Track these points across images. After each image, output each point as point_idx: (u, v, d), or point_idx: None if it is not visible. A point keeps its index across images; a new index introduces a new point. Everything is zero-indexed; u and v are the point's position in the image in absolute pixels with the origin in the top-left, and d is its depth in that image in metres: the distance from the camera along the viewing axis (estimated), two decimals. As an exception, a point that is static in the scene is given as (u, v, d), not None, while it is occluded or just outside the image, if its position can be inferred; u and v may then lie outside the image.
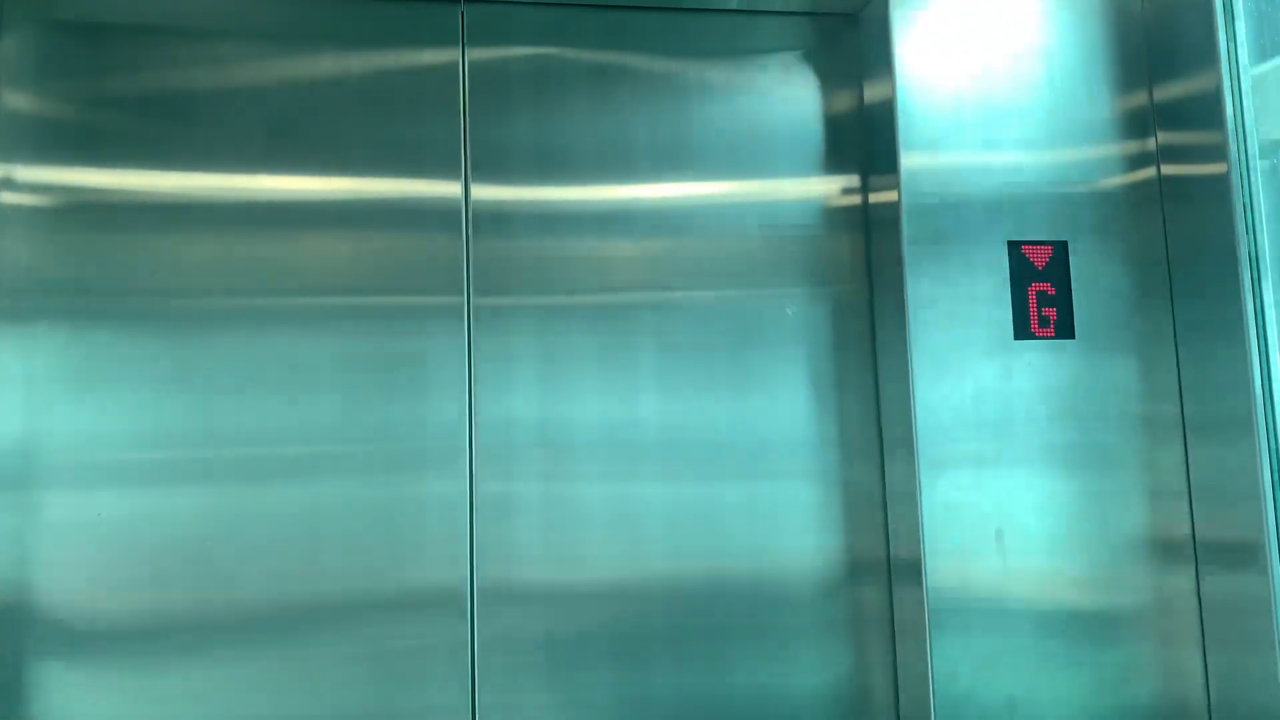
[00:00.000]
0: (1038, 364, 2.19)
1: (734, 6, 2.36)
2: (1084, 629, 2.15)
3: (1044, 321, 2.22)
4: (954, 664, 2.07)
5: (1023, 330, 2.20)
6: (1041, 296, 2.22)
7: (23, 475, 2.02)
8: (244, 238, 2.14)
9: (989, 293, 2.19)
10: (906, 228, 2.19)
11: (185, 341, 2.09)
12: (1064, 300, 2.23)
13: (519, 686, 2.11)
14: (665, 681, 2.17)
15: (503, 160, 2.25)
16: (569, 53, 2.31)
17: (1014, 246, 2.22)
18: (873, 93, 2.35)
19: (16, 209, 2.08)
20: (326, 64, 2.22)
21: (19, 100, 2.10)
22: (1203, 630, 2.17)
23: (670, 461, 2.23)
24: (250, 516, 2.08)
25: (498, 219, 2.24)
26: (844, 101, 2.41)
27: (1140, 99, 2.33)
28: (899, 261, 2.19)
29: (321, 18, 2.22)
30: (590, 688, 2.14)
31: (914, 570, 2.13)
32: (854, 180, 2.39)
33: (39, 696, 1.96)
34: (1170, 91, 2.28)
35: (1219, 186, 2.12)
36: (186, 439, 2.07)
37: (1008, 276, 2.21)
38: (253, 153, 2.17)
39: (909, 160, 2.21)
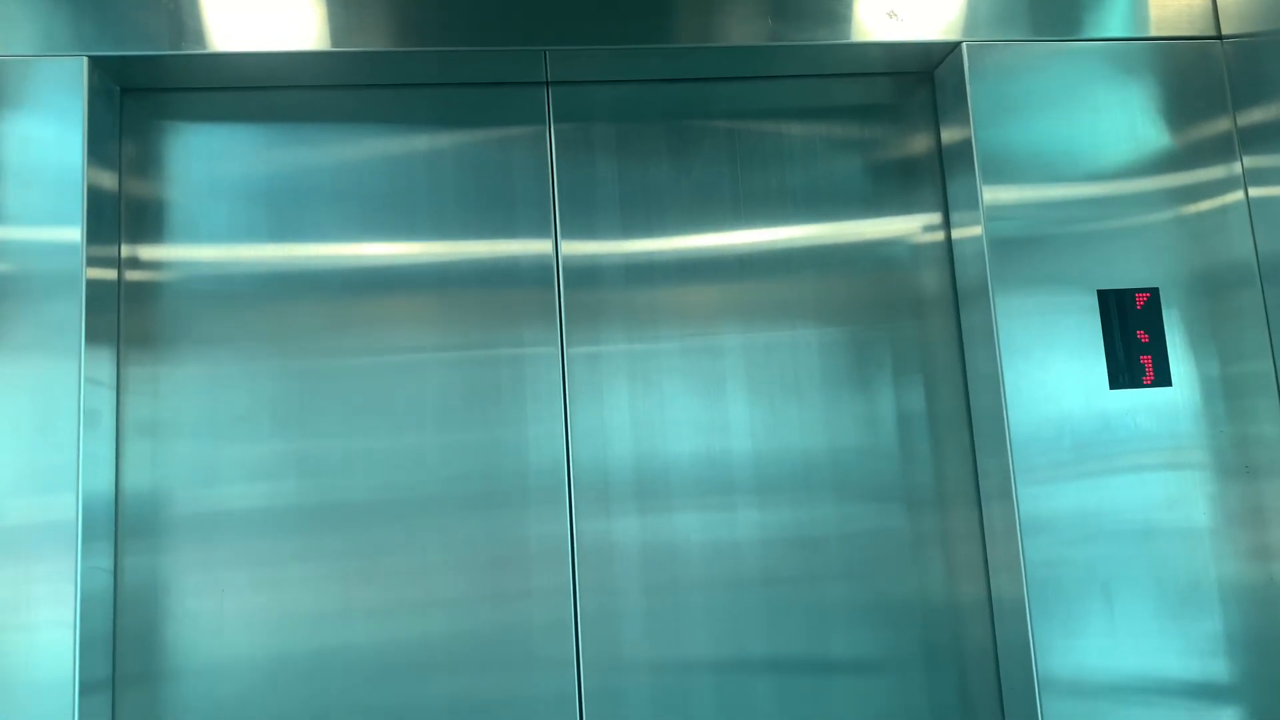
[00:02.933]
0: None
1: (807, 72, 2.43)
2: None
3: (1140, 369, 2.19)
4: None
5: (1118, 379, 2.18)
6: (1136, 343, 2.20)
7: (152, 518, 2.15)
8: (351, 300, 2.26)
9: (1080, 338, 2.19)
10: (990, 259, 2.21)
11: (301, 394, 2.21)
12: (1159, 347, 2.20)
13: None
14: None
15: (590, 218, 2.34)
16: (650, 122, 2.39)
17: (1105, 295, 2.21)
18: (950, 135, 2.38)
19: (142, 284, 2.22)
20: (423, 141, 2.34)
21: (141, 187, 2.25)
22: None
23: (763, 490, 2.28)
24: (354, 552, 2.19)
25: (587, 272, 2.32)
26: (921, 144, 2.45)
27: (1224, 124, 2.33)
28: (986, 291, 2.21)
29: (420, 102, 2.35)
30: None
31: (1019, 610, 2.10)
32: (935, 218, 2.41)
33: None
34: (1254, 117, 2.27)
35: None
36: (298, 481, 2.19)
37: (1099, 321, 2.20)
38: (356, 223, 2.29)
39: (990, 195, 2.24)
